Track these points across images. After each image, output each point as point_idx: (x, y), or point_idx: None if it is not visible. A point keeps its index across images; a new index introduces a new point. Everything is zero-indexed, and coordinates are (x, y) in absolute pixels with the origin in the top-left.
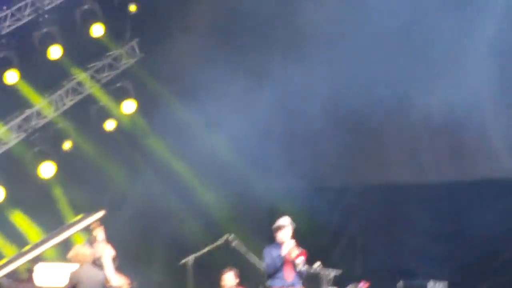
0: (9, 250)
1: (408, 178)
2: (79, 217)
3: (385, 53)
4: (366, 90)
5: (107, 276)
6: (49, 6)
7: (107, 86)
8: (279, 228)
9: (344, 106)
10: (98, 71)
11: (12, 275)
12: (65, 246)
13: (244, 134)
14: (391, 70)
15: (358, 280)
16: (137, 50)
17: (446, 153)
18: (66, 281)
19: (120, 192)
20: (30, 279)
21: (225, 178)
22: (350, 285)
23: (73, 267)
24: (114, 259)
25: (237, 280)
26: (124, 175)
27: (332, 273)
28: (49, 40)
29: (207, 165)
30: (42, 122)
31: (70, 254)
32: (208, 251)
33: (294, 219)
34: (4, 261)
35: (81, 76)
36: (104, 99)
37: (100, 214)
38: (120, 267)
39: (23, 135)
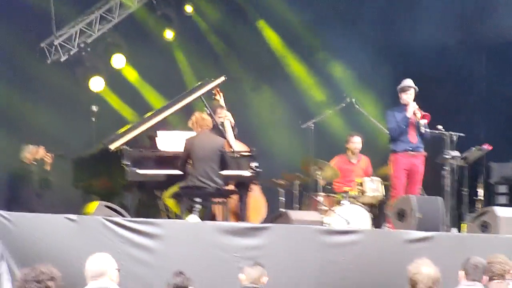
0: (132, 116)
1: None
2: (200, 83)
3: None
4: None
5: (228, 142)
6: None
7: None
8: (404, 89)
9: None
10: None
11: (134, 142)
12: (187, 113)
13: None
14: None
15: (481, 144)
16: None
17: None
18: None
19: None
20: (153, 145)
21: None
22: (474, 148)
23: (192, 134)
24: (233, 127)
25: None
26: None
27: (455, 136)
28: None
29: None
30: None
31: (190, 121)
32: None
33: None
34: (126, 128)
35: None
36: None
37: (221, 79)
38: (239, 134)
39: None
